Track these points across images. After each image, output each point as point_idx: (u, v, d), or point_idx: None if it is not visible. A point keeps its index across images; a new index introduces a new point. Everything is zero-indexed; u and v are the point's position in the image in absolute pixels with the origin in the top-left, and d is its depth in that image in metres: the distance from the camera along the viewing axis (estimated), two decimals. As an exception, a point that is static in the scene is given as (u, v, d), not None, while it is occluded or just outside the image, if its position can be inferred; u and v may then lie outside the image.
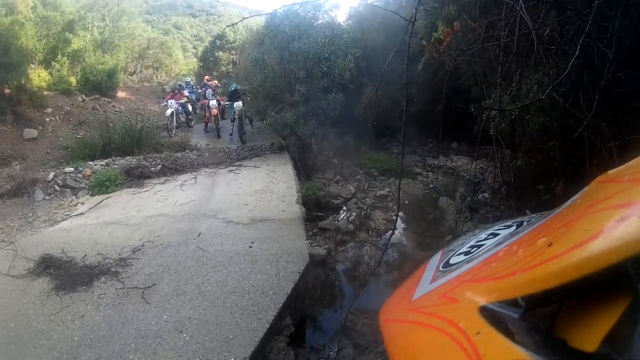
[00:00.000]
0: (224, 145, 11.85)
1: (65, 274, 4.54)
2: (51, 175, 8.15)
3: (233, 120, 12.81)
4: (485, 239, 1.42)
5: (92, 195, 7.86)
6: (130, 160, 9.38)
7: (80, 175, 8.36)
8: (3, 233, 6.42)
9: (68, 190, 7.99)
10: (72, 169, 8.52)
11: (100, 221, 6.32)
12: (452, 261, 1.40)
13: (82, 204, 7.45)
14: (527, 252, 1.09)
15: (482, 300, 1.01)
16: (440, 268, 1.40)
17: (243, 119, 12.23)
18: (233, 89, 13.11)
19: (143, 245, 5.19)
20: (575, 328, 0.94)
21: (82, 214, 6.85)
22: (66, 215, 6.94)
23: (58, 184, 8.03)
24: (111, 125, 11.03)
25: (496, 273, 1.09)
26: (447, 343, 1.03)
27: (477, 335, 0.97)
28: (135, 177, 8.65)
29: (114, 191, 7.95)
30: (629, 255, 0.79)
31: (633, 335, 0.85)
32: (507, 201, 4.78)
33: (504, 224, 1.50)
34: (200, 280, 4.19)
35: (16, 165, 9.88)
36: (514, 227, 1.40)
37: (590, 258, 0.84)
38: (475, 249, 1.38)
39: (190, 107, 16.34)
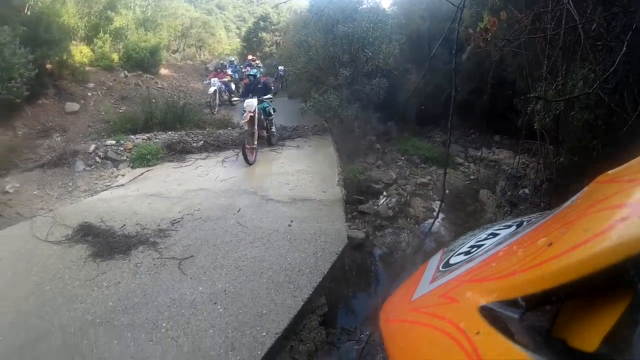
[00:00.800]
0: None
1: (103, 242, 4.69)
2: (92, 147, 8.41)
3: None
4: (485, 239, 1.41)
5: (132, 167, 8.04)
6: (172, 136, 9.54)
7: (121, 148, 8.58)
8: (42, 201, 6.73)
9: (109, 162, 8.24)
10: (113, 142, 8.76)
11: (140, 193, 6.48)
12: (452, 261, 1.40)
13: (123, 175, 7.66)
14: (527, 252, 1.09)
15: (482, 300, 1.01)
16: (440, 268, 1.41)
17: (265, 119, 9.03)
18: (253, 74, 9.30)
19: (182, 218, 5.32)
20: (575, 328, 0.94)
21: (122, 185, 7.05)
22: (106, 186, 7.18)
23: (99, 156, 8.29)
24: (153, 101, 11.28)
25: (496, 273, 1.09)
26: (447, 343, 1.04)
27: (477, 335, 0.97)
28: (177, 152, 8.84)
29: (155, 165, 8.14)
30: (629, 255, 0.79)
31: (633, 335, 0.85)
32: (548, 198, 4.68)
33: (504, 224, 1.49)
34: (237, 255, 4.27)
35: (57, 137, 10.18)
36: (514, 227, 1.39)
37: (590, 258, 0.84)
38: (475, 249, 1.37)
39: (233, 86, 16.47)
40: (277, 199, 5.99)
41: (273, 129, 9.44)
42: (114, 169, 8.10)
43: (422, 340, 1.19)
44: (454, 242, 1.63)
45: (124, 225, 5.16)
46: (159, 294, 3.64)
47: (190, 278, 3.87)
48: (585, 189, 1.16)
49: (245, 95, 8.66)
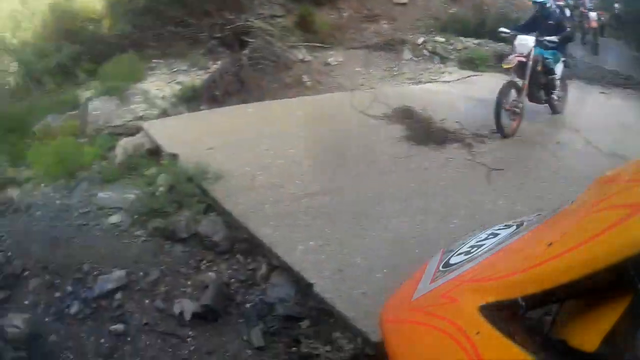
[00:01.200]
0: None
1: (420, 128, 4.75)
2: (421, 40, 8.37)
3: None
4: (486, 239, 1.41)
5: (460, 68, 7.73)
6: (503, 47, 8.44)
7: (450, 47, 8.37)
8: (364, 79, 6.91)
9: (436, 57, 8.08)
10: (442, 40, 8.58)
11: (466, 95, 6.31)
12: (452, 261, 1.40)
13: (450, 73, 7.44)
14: (527, 252, 1.09)
15: (482, 300, 1.01)
16: (441, 268, 1.40)
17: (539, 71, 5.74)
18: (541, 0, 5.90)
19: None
20: (575, 328, 0.94)
21: (447, 82, 6.93)
22: (431, 79, 7.15)
23: (427, 50, 8.20)
24: (485, 8, 10.64)
25: (496, 273, 1.09)
26: (447, 343, 1.04)
27: (477, 335, 0.97)
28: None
29: (482, 71, 7.70)
30: (629, 255, 0.79)
31: (633, 335, 0.85)
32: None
33: (504, 224, 1.48)
34: (550, 184, 4.04)
35: (384, 24, 9.91)
36: (514, 227, 1.39)
37: (590, 258, 0.84)
38: (475, 249, 1.37)
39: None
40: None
41: (555, 95, 6.02)
42: (441, 65, 7.93)
43: (423, 340, 1.19)
44: (454, 242, 1.63)
45: (444, 119, 5.08)
46: (456, 191, 3.67)
47: (493, 190, 3.80)
48: (586, 189, 1.16)
49: (522, 29, 5.80)
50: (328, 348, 2.71)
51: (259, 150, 4.40)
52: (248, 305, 3.16)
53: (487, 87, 6.57)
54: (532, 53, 5.30)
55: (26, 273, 3.62)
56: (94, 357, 2.93)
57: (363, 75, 7.01)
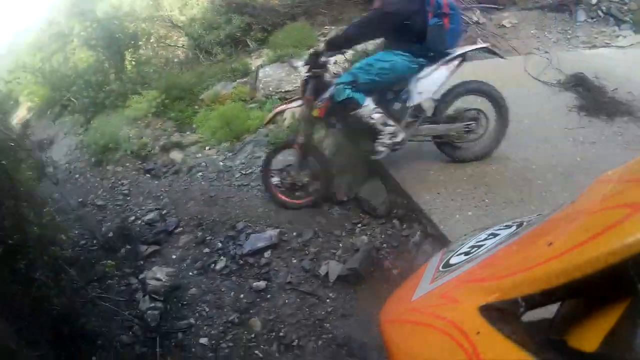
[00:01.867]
0: None
1: (591, 98, 4.66)
2: (595, 0, 7.98)
3: None
4: (485, 239, 1.41)
5: (635, 32, 7.43)
6: None
7: (625, 8, 7.98)
8: (539, 42, 6.88)
9: (611, 19, 7.75)
10: None
11: (639, 62, 6.02)
12: (452, 261, 1.40)
13: (624, 37, 7.22)
14: (527, 252, 1.09)
15: (482, 300, 1.01)
16: (440, 268, 1.41)
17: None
18: None
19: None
20: (575, 328, 0.94)
21: (622, 47, 6.74)
22: (605, 43, 6.99)
23: (601, 10, 7.86)
24: None
25: (496, 273, 1.09)
26: (447, 343, 1.04)
27: (477, 335, 0.97)
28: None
29: None
30: (629, 255, 0.79)
31: (633, 335, 0.85)
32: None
33: (504, 224, 1.48)
34: None
35: None
36: (514, 227, 1.38)
37: (590, 258, 0.84)
38: (475, 249, 1.37)
39: None
40: None
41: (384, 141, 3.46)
42: (615, 27, 7.66)
43: (423, 341, 1.19)
44: (454, 243, 1.63)
45: (616, 89, 4.96)
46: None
47: None
48: (586, 189, 1.16)
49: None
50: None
51: None
52: (395, 271, 3.16)
53: None
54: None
55: (178, 230, 3.83)
56: (230, 310, 3.05)
57: (538, 38, 6.97)
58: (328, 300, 3.06)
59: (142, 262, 3.53)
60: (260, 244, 3.42)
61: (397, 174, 3.65)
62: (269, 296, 3.13)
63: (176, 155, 5.07)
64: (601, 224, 0.87)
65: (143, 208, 4.30)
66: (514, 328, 0.95)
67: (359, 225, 3.62)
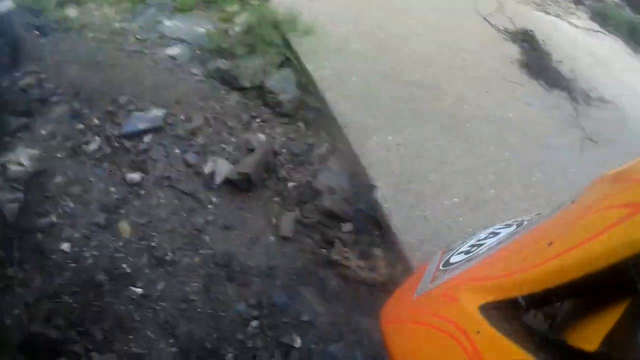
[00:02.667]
0: None
1: (535, 59, 4.61)
2: None
3: None
4: (486, 238, 1.42)
5: (590, 19, 7.21)
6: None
7: None
8: None
9: None
10: None
11: (590, 49, 5.98)
12: (452, 260, 1.40)
13: (578, 18, 7.00)
14: (527, 251, 1.09)
15: (482, 300, 1.02)
16: (441, 267, 1.41)
17: None
18: None
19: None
20: (575, 328, 0.94)
21: (576, 27, 6.56)
22: (559, 14, 6.70)
23: None
24: None
25: (496, 272, 1.10)
26: (447, 342, 1.04)
27: (477, 334, 0.98)
28: None
29: (610, 33, 7.16)
30: (629, 255, 0.79)
31: (633, 335, 0.85)
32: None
33: (504, 224, 1.49)
34: None
35: None
36: (514, 227, 1.39)
37: (590, 258, 0.84)
38: (475, 248, 1.38)
39: None
40: None
41: None
42: (572, 4, 7.41)
43: (423, 340, 1.19)
44: (455, 242, 1.64)
45: (561, 61, 4.90)
46: (547, 149, 3.58)
47: (581, 160, 3.67)
48: (586, 188, 1.16)
49: None
50: (361, 264, 2.45)
51: (364, 15, 4.01)
52: (290, 184, 2.80)
53: (614, 54, 6.31)
54: None
55: (54, 98, 3.15)
56: (96, 208, 2.56)
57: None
58: (210, 206, 2.65)
59: (8, 139, 2.88)
60: (142, 126, 2.91)
61: (315, 70, 3.25)
62: (142, 192, 2.66)
63: (72, 11, 4.21)
64: (601, 224, 0.87)
65: (22, 71, 3.52)
66: (514, 327, 0.95)
67: (258, 120, 3.16)
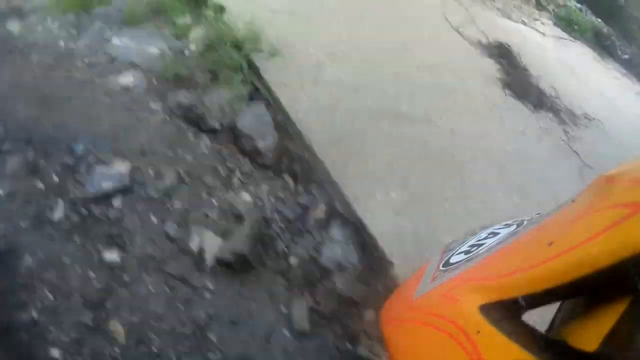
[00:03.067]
0: None
1: (517, 78, 4.40)
2: None
3: None
4: (485, 238, 1.41)
5: (554, 24, 7.14)
6: (602, 25, 7.90)
7: None
8: None
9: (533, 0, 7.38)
10: None
11: (561, 57, 5.86)
12: (452, 260, 1.40)
13: (543, 24, 6.87)
14: (527, 251, 1.09)
15: (482, 300, 1.02)
16: (441, 267, 1.41)
17: None
18: None
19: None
20: (575, 328, 0.94)
21: (542, 34, 6.43)
22: (523, 20, 6.56)
23: None
24: None
25: (496, 272, 1.10)
26: (447, 342, 1.04)
27: (477, 334, 0.98)
28: None
29: (575, 39, 7.14)
30: (628, 255, 0.79)
31: (633, 335, 0.85)
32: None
33: (504, 223, 1.49)
34: None
35: None
36: (514, 227, 1.38)
37: (590, 258, 0.84)
38: (475, 248, 1.37)
39: None
40: None
41: None
42: (535, 10, 7.24)
43: (423, 340, 1.19)
44: (455, 241, 1.64)
45: (540, 76, 4.67)
46: (546, 182, 3.35)
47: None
48: (586, 188, 1.16)
49: None
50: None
51: (333, 33, 3.54)
52: (293, 261, 2.36)
53: (585, 62, 6.22)
54: None
55: (5, 146, 2.54)
56: (79, 304, 2.06)
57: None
58: (207, 295, 2.24)
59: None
60: (107, 185, 2.44)
61: (292, 106, 2.67)
62: (126, 278, 2.21)
63: (14, 26, 3.59)
64: (601, 224, 0.87)
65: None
66: (514, 327, 0.95)
67: (238, 173, 2.69)
